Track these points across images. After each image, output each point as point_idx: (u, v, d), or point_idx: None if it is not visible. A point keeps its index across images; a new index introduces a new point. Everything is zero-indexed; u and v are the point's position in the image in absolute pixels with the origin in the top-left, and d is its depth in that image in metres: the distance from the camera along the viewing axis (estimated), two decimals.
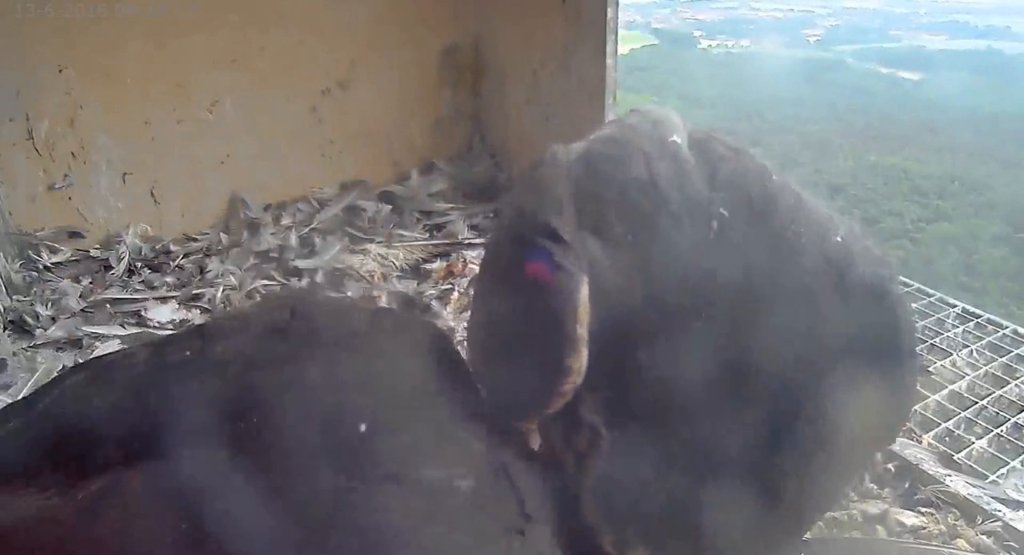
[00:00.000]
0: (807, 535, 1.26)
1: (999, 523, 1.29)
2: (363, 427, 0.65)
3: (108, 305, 1.98)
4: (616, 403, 0.70)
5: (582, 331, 0.67)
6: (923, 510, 1.33)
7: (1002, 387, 1.68)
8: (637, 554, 0.72)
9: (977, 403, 1.62)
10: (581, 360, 0.67)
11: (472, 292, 0.82)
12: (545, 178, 0.74)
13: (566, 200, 0.71)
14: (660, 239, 0.69)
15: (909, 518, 1.31)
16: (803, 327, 0.69)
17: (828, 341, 0.70)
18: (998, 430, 1.55)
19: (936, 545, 1.25)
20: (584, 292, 0.67)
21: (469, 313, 0.86)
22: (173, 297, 2.01)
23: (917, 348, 0.79)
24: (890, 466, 1.42)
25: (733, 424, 0.69)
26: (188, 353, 0.74)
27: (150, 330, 1.87)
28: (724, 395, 0.68)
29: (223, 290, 2.02)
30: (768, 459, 0.70)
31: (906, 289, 2.02)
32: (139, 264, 2.17)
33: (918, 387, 0.83)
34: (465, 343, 0.85)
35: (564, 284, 0.67)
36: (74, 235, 2.18)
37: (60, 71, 2.06)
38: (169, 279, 2.11)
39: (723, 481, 0.70)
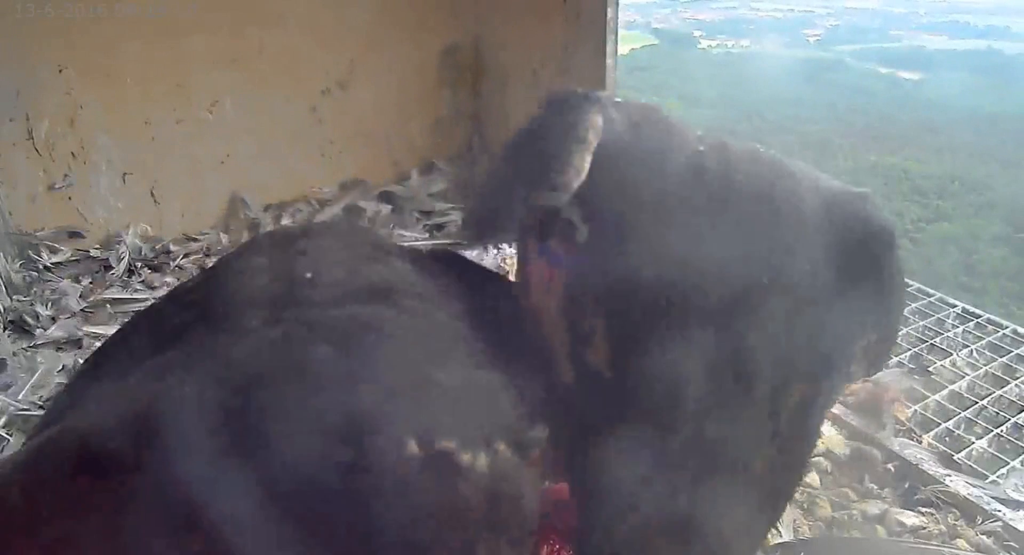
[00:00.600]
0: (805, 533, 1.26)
1: (999, 523, 1.29)
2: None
3: (108, 305, 1.98)
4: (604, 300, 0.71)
5: (592, 138, 0.70)
6: (923, 510, 1.33)
7: (1002, 387, 1.68)
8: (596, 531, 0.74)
9: (977, 403, 1.62)
10: (584, 160, 0.70)
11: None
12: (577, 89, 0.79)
13: (595, 91, 0.76)
14: (659, 141, 0.74)
15: (909, 518, 1.31)
16: (786, 250, 0.71)
17: (803, 244, 0.71)
18: (998, 430, 1.55)
19: (936, 545, 1.25)
20: (599, 116, 0.71)
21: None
22: None
23: (901, 267, 0.80)
24: (890, 466, 1.42)
25: (716, 397, 0.69)
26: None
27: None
28: (711, 372, 0.69)
29: None
30: (747, 433, 0.71)
31: (906, 289, 2.03)
32: (139, 264, 2.17)
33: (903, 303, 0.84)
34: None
35: (587, 105, 0.72)
36: (74, 235, 2.19)
37: (60, 71, 2.06)
38: (169, 279, 2.11)
39: (705, 459, 0.70)
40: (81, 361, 1.72)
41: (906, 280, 2.03)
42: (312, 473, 0.59)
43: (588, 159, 0.69)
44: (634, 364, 0.70)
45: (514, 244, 0.80)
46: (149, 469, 0.62)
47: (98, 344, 1.79)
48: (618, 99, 0.76)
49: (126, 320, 0.91)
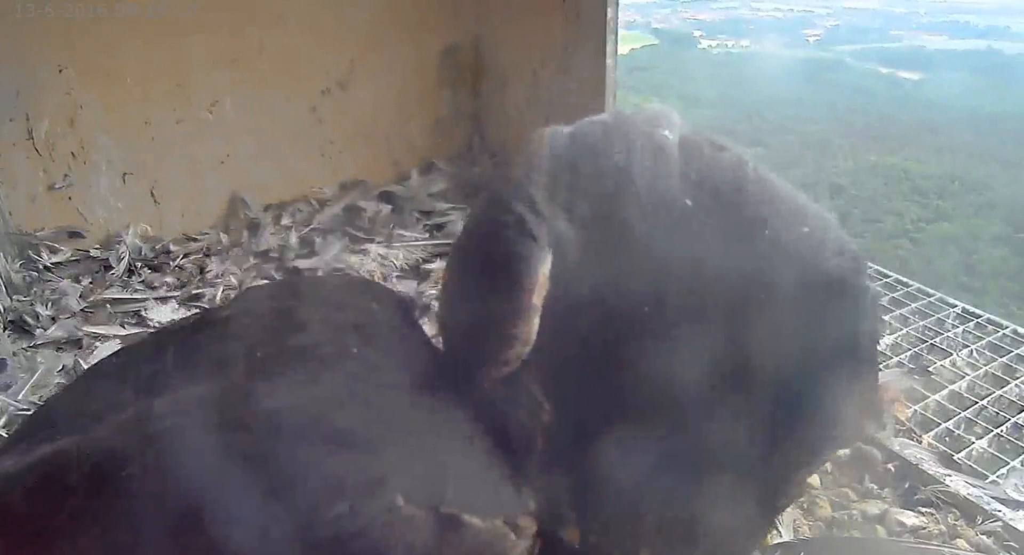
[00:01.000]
0: (801, 535, 1.26)
1: (999, 523, 1.29)
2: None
3: (108, 305, 1.98)
4: (564, 382, 0.71)
5: (536, 301, 0.68)
6: (923, 510, 1.33)
7: (1002, 387, 1.68)
8: (570, 534, 0.73)
9: (977, 403, 1.62)
10: (530, 330, 0.68)
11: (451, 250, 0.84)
12: (529, 153, 0.76)
13: (545, 174, 0.73)
14: (623, 224, 0.71)
15: (909, 518, 1.31)
16: (762, 316, 0.70)
17: (787, 330, 0.70)
18: (998, 430, 1.55)
19: (936, 545, 1.25)
20: (547, 264, 0.69)
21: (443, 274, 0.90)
22: (173, 297, 2.01)
23: (877, 341, 0.79)
24: (890, 466, 1.42)
25: (682, 408, 0.69)
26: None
27: (150, 330, 1.87)
28: (676, 381, 0.69)
29: (223, 290, 2.02)
30: (714, 440, 0.70)
31: (906, 289, 2.03)
32: (139, 264, 2.17)
33: (879, 383, 0.83)
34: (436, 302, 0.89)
35: (529, 252, 0.68)
36: (74, 235, 2.18)
37: (60, 71, 2.06)
38: (169, 279, 2.11)
39: (670, 463, 0.70)
40: (81, 361, 1.72)
41: (906, 280, 2.04)
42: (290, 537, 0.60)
43: (535, 324, 0.68)
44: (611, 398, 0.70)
45: None
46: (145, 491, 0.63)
47: (98, 344, 1.80)
48: (586, 172, 0.74)
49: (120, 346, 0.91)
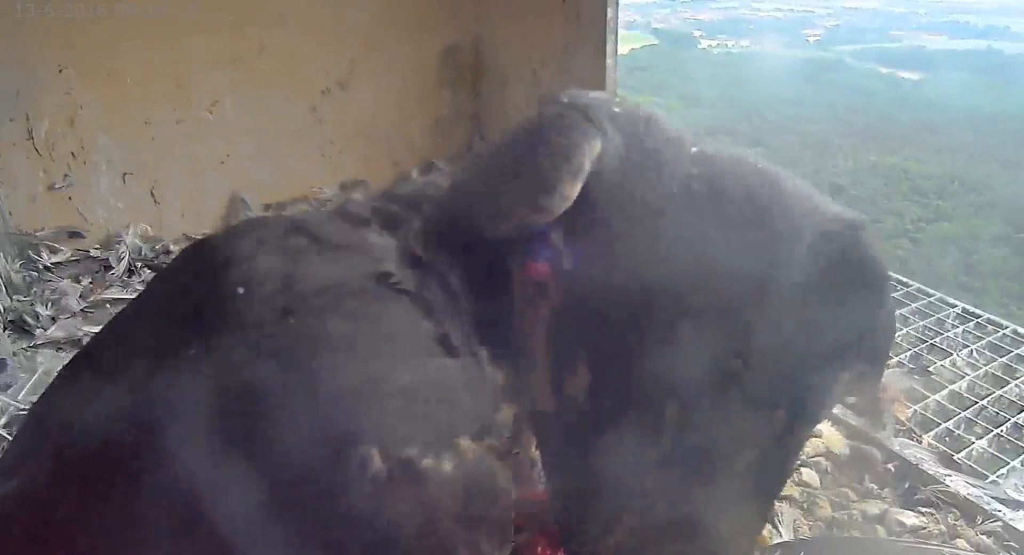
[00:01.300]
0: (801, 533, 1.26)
1: (999, 523, 1.29)
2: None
3: (108, 305, 1.98)
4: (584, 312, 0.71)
5: (586, 165, 0.68)
6: (923, 510, 1.33)
7: (1002, 387, 1.68)
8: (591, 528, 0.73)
9: (977, 403, 1.62)
10: (573, 188, 0.68)
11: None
12: (577, 92, 0.78)
13: (591, 96, 0.75)
14: (653, 162, 0.72)
15: (909, 518, 1.31)
16: (766, 261, 0.70)
17: (794, 278, 0.71)
18: (998, 430, 1.55)
19: (936, 545, 1.25)
20: (597, 142, 0.69)
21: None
22: None
23: (889, 290, 0.79)
24: (890, 466, 1.42)
25: (697, 394, 0.69)
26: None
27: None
28: (691, 368, 0.69)
29: None
30: (728, 430, 0.70)
31: (906, 289, 2.03)
32: (139, 264, 2.17)
33: (894, 327, 0.83)
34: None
35: (584, 127, 0.70)
36: (74, 235, 2.19)
37: (60, 71, 2.06)
38: None
39: (688, 455, 0.70)
40: None
41: (906, 280, 2.04)
42: (274, 503, 0.58)
43: (578, 188, 0.68)
44: (618, 381, 0.70)
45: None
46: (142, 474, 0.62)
47: None
48: (616, 108, 0.75)
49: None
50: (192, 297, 0.72)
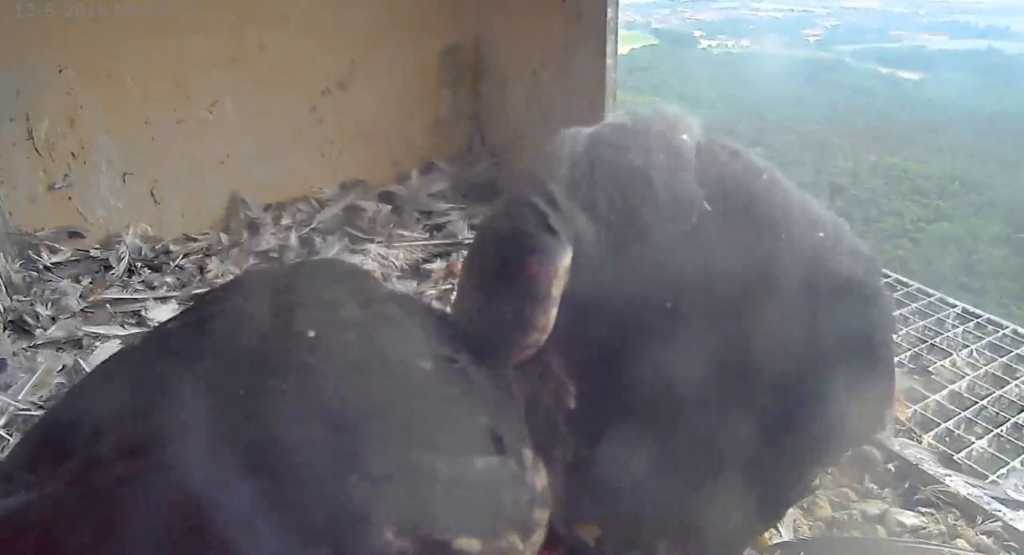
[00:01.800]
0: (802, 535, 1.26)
1: (999, 523, 1.29)
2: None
3: (108, 305, 1.98)
4: (585, 370, 0.72)
5: (556, 293, 0.70)
6: (923, 510, 1.33)
7: (1002, 387, 1.68)
8: (587, 529, 0.73)
9: (977, 403, 1.62)
10: (548, 319, 0.70)
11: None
12: (550, 153, 0.78)
13: (565, 173, 0.75)
14: (641, 225, 0.73)
15: (909, 518, 1.31)
16: (777, 317, 0.71)
17: (801, 332, 0.71)
18: (998, 430, 1.55)
19: (936, 545, 1.25)
20: (567, 259, 0.71)
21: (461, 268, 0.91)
22: (173, 297, 2.01)
23: (892, 344, 0.80)
24: (890, 466, 1.42)
25: (699, 404, 0.70)
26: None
27: (150, 330, 1.87)
28: (693, 378, 0.70)
29: None
30: (729, 437, 0.71)
31: (906, 289, 2.03)
32: (139, 264, 2.17)
33: (895, 387, 0.84)
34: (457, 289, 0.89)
35: (550, 245, 0.71)
36: (74, 235, 2.19)
37: (60, 71, 2.06)
38: (169, 279, 2.11)
39: (691, 457, 0.71)
40: (81, 361, 1.72)
41: (906, 280, 2.04)
42: None
43: (552, 313, 0.70)
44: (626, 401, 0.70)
45: None
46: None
47: (98, 344, 1.80)
48: (604, 172, 0.75)
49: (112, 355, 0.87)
50: (251, 333, 0.71)
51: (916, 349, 1.79)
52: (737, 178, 0.77)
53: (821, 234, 0.76)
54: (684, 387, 0.69)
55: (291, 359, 0.67)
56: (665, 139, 0.79)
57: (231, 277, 2.09)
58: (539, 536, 0.67)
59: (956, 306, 1.96)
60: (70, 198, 2.17)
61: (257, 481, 0.59)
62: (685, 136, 0.81)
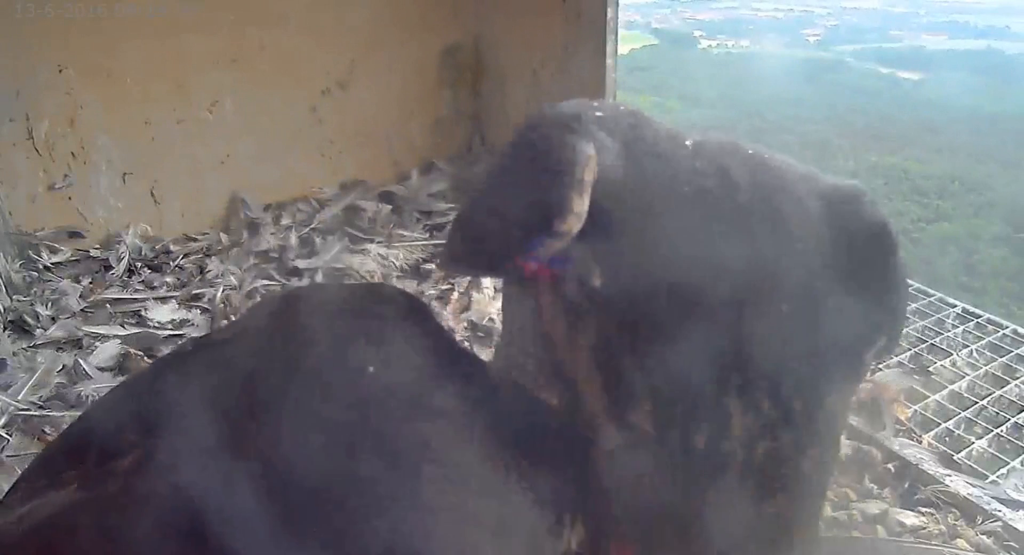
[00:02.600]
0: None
1: (999, 523, 1.29)
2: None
3: (108, 305, 1.98)
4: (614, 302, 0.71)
5: (589, 178, 0.69)
6: (923, 510, 1.33)
7: (1002, 387, 1.68)
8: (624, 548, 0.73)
9: (977, 403, 1.62)
10: (583, 205, 0.68)
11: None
12: (552, 104, 0.79)
13: (572, 108, 0.76)
14: (652, 148, 0.73)
15: (909, 518, 1.31)
16: (782, 229, 0.71)
17: (812, 248, 0.72)
18: (998, 430, 1.55)
19: (936, 545, 1.25)
20: (592, 150, 0.70)
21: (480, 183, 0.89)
22: (173, 297, 2.01)
23: (901, 255, 0.81)
24: (890, 466, 1.42)
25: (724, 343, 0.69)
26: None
27: (150, 330, 1.87)
28: (709, 302, 0.69)
29: (223, 290, 2.02)
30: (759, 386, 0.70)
31: (907, 288, 2.02)
32: (139, 264, 2.17)
33: (906, 296, 0.85)
34: (454, 219, 0.87)
35: (577, 139, 0.70)
36: (74, 235, 2.19)
37: (60, 71, 2.06)
38: (169, 279, 2.11)
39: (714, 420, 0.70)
40: (81, 361, 1.72)
41: (907, 279, 2.04)
42: None
43: (587, 200, 0.69)
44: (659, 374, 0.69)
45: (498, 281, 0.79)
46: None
47: (98, 344, 1.80)
48: (599, 112, 0.75)
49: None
50: (304, 358, 0.70)
51: (916, 349, 1.79)
52: (725, 141, 0.79)
53: (812, 176, 0.78)
54: (728, 301, 0.68)
55: (347, 391, 0.67)
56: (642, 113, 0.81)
57: (231, 277, 2.09)
58: None
59: (956, 306, 1.96)
60: (70, 198, 2.17)
61: (311, 512, 0.59)
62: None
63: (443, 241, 2.26)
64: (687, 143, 0.75)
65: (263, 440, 0.63)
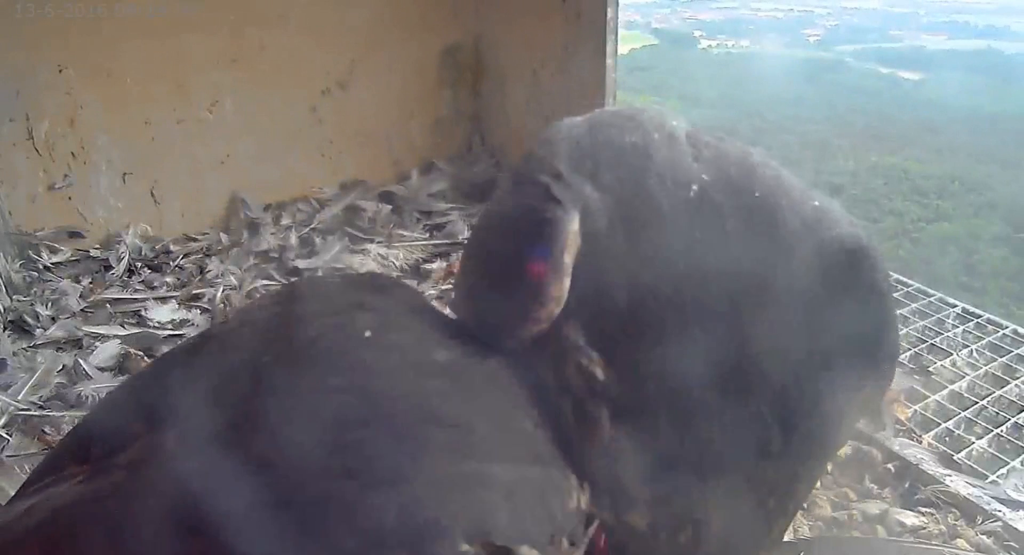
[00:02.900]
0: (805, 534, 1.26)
1: (999, 523, 1.29)
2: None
3: (108, 305, 1.98)
4: (600, 338, 0.71)
5: (568, 260, 0.69)
6: (923, 510, 1.33)
7: (1002, 387, 1.68)
8: (635, 517, 0.73)
9: (977, 403, 1.62)
10: (562, 288, 0.69)
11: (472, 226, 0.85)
12: (549, 134, 0.78)
13: (566, 150, 0.75)
14: (646, 195, 0.73)
15: (909, 518, 1.31)
16: (779, 281, 0.71)
17: (804, 295, 0.71)
18: (998, 430, 1.55)
19: (936, 545, 1.25)
20: (575, 224, 0.70)
21: (467, 241, 0.90)
22: (173, 297, 2.01)
23: (893, 301, 0.80)
24: (890, 466, 1.42)
25: (714, 371, 0.70)
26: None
27: (150, 330, 1.87)
28: (701, 342, 0.69)
29: (223, 290, 2.02)
30: (745, 411, 0.71)
31: (906, 289, 2.03)
32: (139, 264, 2.17)
33: (898, 348, 0.84)
34: (458, 268, 0.88)
35: (557, 214, 0.70)
36: (74, 235, 2.19)
37: (60, 71, 2.06)
38: (169, 279, 2.11)
39: (712, 433, 0.70)
40: (81, 361, 1.72)
41: (906, 280, 2.04)
42: None
43: (567, 283, 0.69)
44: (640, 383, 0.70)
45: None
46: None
47: (98, 344, 1.80)
48: (595, 156, 0.75)
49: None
50: (307, 335, 0.71)
51: (916, 349, 1.79)
52: (731, 155, 0.78)
53: (816, 203, 0.77)
54: (713, 350, 0.68)
55: (353, 363, 0.67)
56: (657, 122, 0.80)
57: (231, 277, 2.09)
58: (585, 544, 0.67)
59: (956, 306, 1.96)
60: (70, 198, 2.17)
61: (326, 485, 0.59)
62: (675, 123, 0.82)
63: (444, 240, 2.27)
64: (690, 193, 0.73)
65: (268, 428, 0.63)
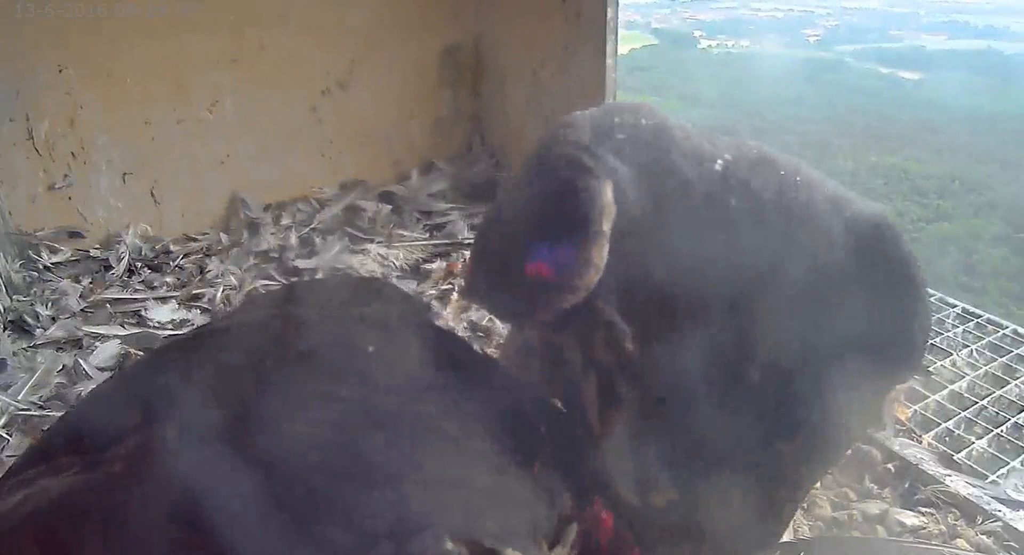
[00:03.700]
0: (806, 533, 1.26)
1: (999, 523, 1.29)
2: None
3: (108, 305, 1.98)
4: (629, 312, 0.71)
5: (606, 228, 0.68)
6: (923, 510, 1.33)
7: (1002, 387, 1.68)
8: (662, 497, 0.73)
9: (977, 403, 1.62)
10: (602, 255, 0.69)
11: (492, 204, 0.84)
12: (568, 119, 0.79)
13: (590, 130, 0.76)
14: (674, 168, 0.73)
15: (909, 518, 1.31)
16: (805, 256, 0.71)
17: (832, 270, 0.71)
18: (998, 430, 1.55)
19: (936, 545, 1.25)
20: (609, 194, 0.70)
21: (483, 222, 0.87)
22: (173, 297, 2.01)
23: (922, 276, 0.80)
24: (890, 466, 1.42)
25: (741, 341, 0.70)
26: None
27: (150, 330, 1.87)
28: (734, 319, 0.69)
29: (223, 290, 2.02)
30: (773, 385, 0.70)
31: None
32: (139, 264, 2.17)
33: (929, 321, 0.84)
34: (473, 249, 0.86)
35: (591, 183, 0.70)
36: (74, 235, 2.19)
37: (60, 71, 2.06)
38: (169, 279, 2.11)
39: (737, 407, 0.70)
40: (81, 361, 1.72)
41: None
42: None
43: (606, 251, 0.68)
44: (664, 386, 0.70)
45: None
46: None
47: (98, 344, 1.80)
48: (619, 134, 0.75)
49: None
50: (307, 341, 0.72)
51: None
52: (743, 143, 0.78)
53: (830, 188, 0.78)
54: (747, 328, 0.68)
55: (351, 370, 0.68)
56: (663, 116, 0.81)
57: (231, 277, 2.09)
58: (569, 547, 0.67)
59: (956, 306, 1.96)
60: (70, 198, 2.17)
61: (319, 484, 0.60)
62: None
63: (444, 240, 2.27)
64: (716, 166, 0.73)
65: (267, 428, 0.63)
